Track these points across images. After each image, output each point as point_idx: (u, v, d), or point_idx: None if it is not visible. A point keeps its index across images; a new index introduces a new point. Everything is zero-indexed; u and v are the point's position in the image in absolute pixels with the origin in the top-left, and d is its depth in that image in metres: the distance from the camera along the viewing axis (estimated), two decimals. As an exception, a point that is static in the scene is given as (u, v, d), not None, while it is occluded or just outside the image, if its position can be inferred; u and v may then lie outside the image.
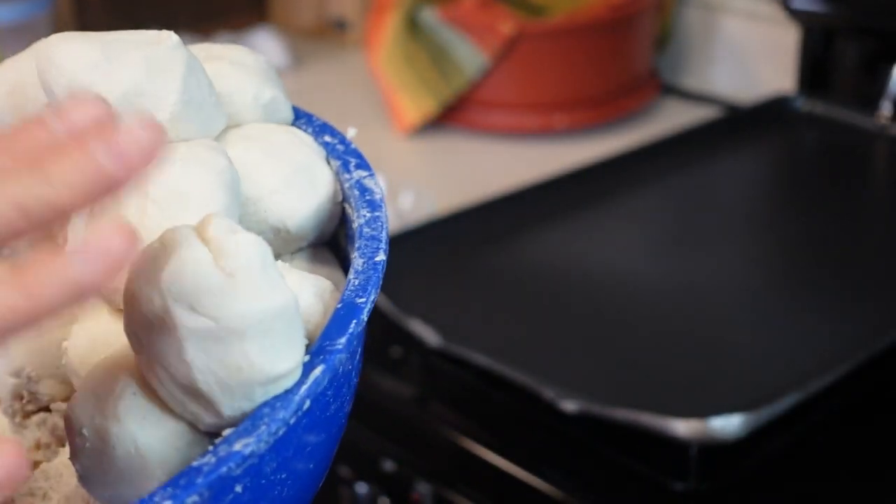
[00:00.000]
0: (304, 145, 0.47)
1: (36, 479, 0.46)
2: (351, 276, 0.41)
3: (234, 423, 0.38)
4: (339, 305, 0.40)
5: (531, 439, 0.77)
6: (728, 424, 0.69)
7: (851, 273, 0.90)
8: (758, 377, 0.76)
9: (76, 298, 0.32)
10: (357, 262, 0.42)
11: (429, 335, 0.80)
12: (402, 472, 0.77)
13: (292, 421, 0.37)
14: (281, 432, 0.37)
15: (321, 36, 1.51)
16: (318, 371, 0.38)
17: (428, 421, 0.79)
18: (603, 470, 0.74)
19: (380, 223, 0.44)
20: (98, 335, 0.44)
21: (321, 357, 0.39)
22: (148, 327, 0.37)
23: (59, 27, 1.30)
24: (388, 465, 0.78)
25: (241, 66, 0.48)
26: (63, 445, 0.47)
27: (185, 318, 0.37)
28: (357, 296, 0.40)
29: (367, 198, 0.45)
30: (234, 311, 0.37)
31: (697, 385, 0.76)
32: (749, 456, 0.73)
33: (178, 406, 0.39)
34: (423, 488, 0.76)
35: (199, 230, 0.38)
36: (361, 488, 0.80)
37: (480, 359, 0.78)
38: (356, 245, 0.43)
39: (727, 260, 0.94)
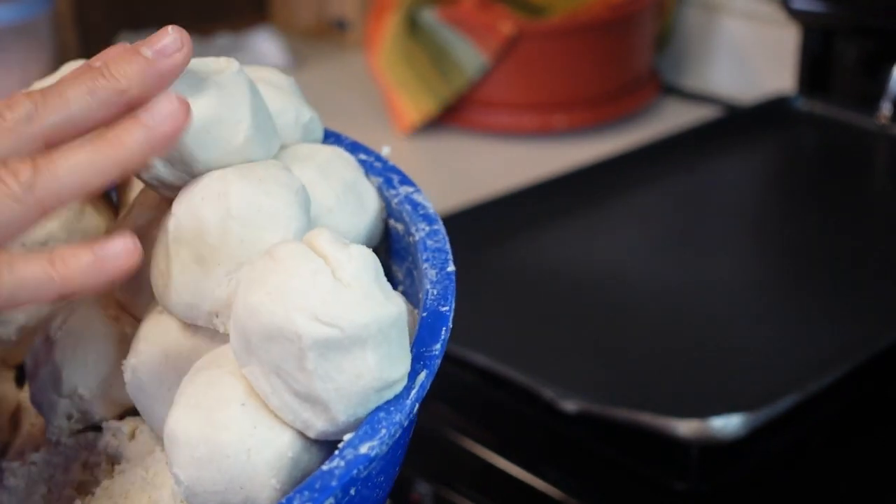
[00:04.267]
0: (349, 163, 0.49)
1: (98, 497, 0.47)
2: (427, 286, 0.43)
3: (346, 429, 0.39)
4: (425, 314, 0.42)
5: (531, 439, 0.77)
6: (728, 424, 0.68)
7: (851, 273, 0.90)
8: (758, 377, 0.76)
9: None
10: (429, 272, 0.44)
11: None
12: (402, 472, 0.77)
13: (405, 424, 0.39)
14: (397, 435, 0.39)
15: (321, 36, 1.51)
16: (422, 376, 0.40)
17: (428, 421, 0.79)
18: (603, 470, 0.74)
19: (441, 236, 0.46)
20: (170, 350, 0.44)
21: (422, 363, 0.41)
22: (267, 339, 0.39)
23: (59, 27, 1.30)
24: (389, 466, 0.78)
25: (279, 88, 0.49)
26: (114, 465, 0.48)
27: (309, 329, 0.38)
28: (440, 304, 0.43)
29: (422, 212, 0.47)
30: (357, 321, 0.38)
31: (697, 385, 0.76)
32: (749, 456, 0.73)
33: (289, 415, 0.40)
34: (423, 488, 0.76)
35: (310, 244, 0.40)
36: (361, 488, 0.80)
37: (480, 359, 0.78)
38: (422, 257, 0.45)
39: (727, 260, 0.94)
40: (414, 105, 1.24)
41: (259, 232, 0.42)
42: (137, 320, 0.48)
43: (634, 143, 1.11)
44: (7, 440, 0.52)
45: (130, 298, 0.48)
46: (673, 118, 1.25)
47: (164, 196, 0.46)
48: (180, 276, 0.43)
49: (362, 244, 0.45)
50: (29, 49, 1.22)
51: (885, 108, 1.11)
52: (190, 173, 0.44)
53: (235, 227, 0.42)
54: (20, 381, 0.54)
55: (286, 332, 0.38)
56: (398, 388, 0.40)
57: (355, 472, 0.38)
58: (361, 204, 0.48)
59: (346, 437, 0.39)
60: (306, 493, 0.37)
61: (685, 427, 0.69)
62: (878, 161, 1.13)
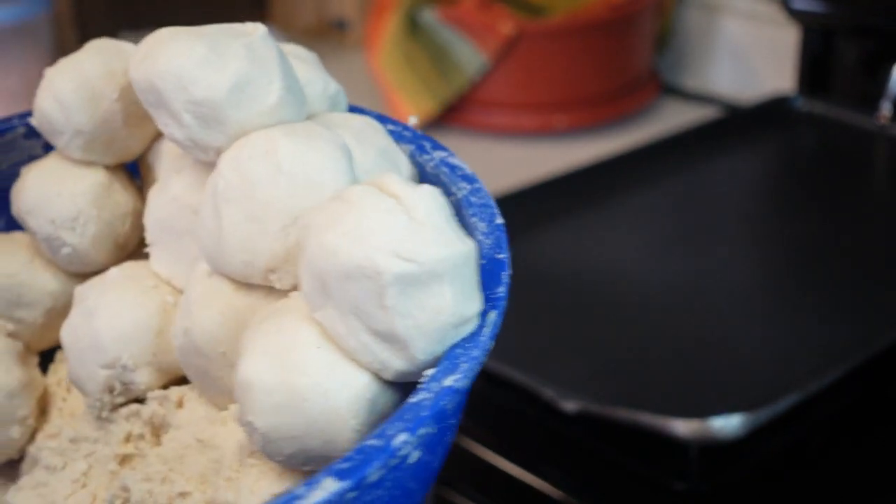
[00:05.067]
0: (380, 131, 0.49)
1: (150, 463, 0.46)
2: (479, 237, 0.44)
3: (423, 367, 0.40)
4: (484, 262, 0.43)
5: (531, 439, 0.77)
6: (728, 424, 0.68)
7: (851, 273, 0.90)
8: (758, 377, 0.76)
9: None
10: (479, 226, 0.45)
11: (429, 335, 0.80)
12: (402, 472, 0.77)
13: (482, 360, 0.40)
14: (476, 371, 0.39)
15: (321, 36, 1.51)
16: (493, 315, 0.42)
17: (428, 421, 0.79)
18: (603, 470, 0.74)
19: (484, 192, 0.47)
20: (225, 311, 0.44)
21: (490, 304, 0.42)
22: (345, 278, 0.39)
23: (59, 27, 1.30)
24: (389, 465, 0.78)
25: (304, 61, 0.50)
26: (160, 435, 0.48)
27: (389, 265, 0.38)
28: (495, 252, 0.44)
29: (460, 173, 0.48)
30: (434, 256, 0.39)
31: (697, 385, 0.76)
32: (749, 456, 0.73)
33: (367, 356, 0.40)
34: (423, 488, 0.76)
35: (380, 186, 0.40)
36: (361, 488, 0.80)
37: (480, 359, 0.78)
38: (469, 213, 0.45)
39: (727, 260, 0.94)
40: (414, 105, 1.24)
41: (310, 185, 0.42)
42: (176, 289, 0.48)
43: (634, 143, 1.11)
44: (35, 426, 0.52)
45: (168, 268, 0.48)
46: (673, 118, 1.25)
47: (198, 158, 0.46)
48: (233, 234, 0.43)
49: None
50: (29, 49, 1.22)
51: (886, 109, 1.11)
52: (224, 133, 0.44)
53: (286, 183, 0.42)
54: (43, 367, 0.54)
55: (365, 269, 0.39)
56: (472, 327, 0.41)
57: (443, 403, 0.38)
58: (397, 169, 0.48)
59: (427, 372, 0.39)
60: (399, 423, 0.37)
61: (685, 427, 0.69)
62: (879, 161, 1.13)
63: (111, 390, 0.48)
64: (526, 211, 0.99)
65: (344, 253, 0.39)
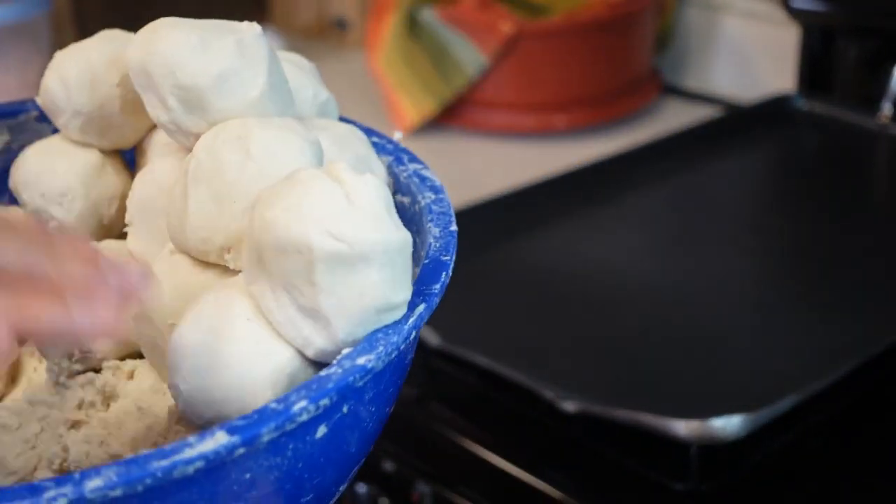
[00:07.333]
0: (361, 139, 0.52)
1: (93, 427, 0.48)
2: (430, 241, 0.47)
3: (343, 347, 0.42)
4: (426, 261, 0.45)
5: (531, 439, 0.77)
6: (728, 425, 0.68)
7: (852, 273, 0.90)
8: (758, 377, 0.76)
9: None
10: (433, 230, 0.47)
11: (429, 335, 0.80)
12: (402, 472, 0.77)
13: (402, 348, 0.42)
14: (393, 356, 0.41)
15: (321, 36, 1.51)
16: (421, 308, 0.43)
17: (428, 421, 0.79)
18: (603, 470, 0.74)
19: (447, 203, 0.49)
20: (180, 285, 0.47)
21: (422, 298, 0.43)
22: (279, 252, 0.41)
23: (57, 27, 1.30)
24: (388, 466, 0.78)
25: (300, 67, 0.53)
26: (110, 404, 0.50)
27: (321, 242, 0.40)
28: (441, 254, 0.46)
29: (429, 184, 0.51)
30: (366, 239, 0.41)
31: (698, 385, 0.76)
32: (749, 456, 0.73)
33: (291, 330, 0.42)
34: (423, 488, 0.76)
35: (329, 172, 0.42)
36: (361, 489, 0.80)
37: (480, 359, 0.78)
38: (427, 219, 0.48)
39: (727, 260, 0.94)
40: (414, 105, 1.24)
41: (275, 173, 0.45)
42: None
43: (634, 143, 1.11)
44: (3, 393, 0.53)
45: (142, 246, 0.51)
46: (673, 118, 1.25)
47: (180, 143, 0.48)
48: (196, 212, 0.45)
49: None
50: (28, 49, 1.21)
51: (886, 108, 1.11)
52: (206, 120, 0.47)
53: (252, 168, 0.45)
54: None
55: (299, 244, 0.40)
56: (397, 315, 0.42)
57: (351, 379, 0.40)
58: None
59: (345, 351, 0.41)
60: (303, 391, 0.39)
61: (685, 427, 0.69)
62: (879, 161, 1.13)
63: (70, 357, 0.50)
64: (526, 211, 0.99)
65: (281, 227, 0.41)
